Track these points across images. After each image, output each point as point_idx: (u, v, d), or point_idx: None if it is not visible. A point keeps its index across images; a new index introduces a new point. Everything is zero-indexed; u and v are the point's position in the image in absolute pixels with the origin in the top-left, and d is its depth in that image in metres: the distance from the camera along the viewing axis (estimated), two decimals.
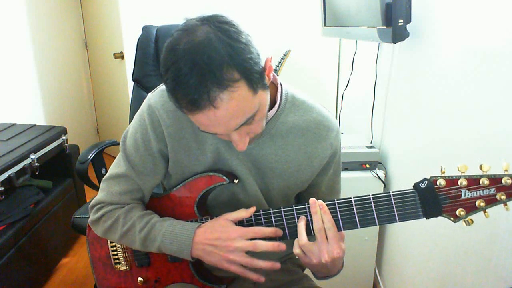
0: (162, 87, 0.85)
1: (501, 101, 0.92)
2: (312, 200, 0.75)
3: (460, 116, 1.10)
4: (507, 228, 0.91)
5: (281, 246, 0.76)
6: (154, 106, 0.83)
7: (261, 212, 0.80)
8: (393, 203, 0.71)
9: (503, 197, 0.65)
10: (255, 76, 0.65)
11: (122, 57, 2.96)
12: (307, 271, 1.06)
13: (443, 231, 1.20)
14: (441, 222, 1.22)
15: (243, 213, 0.80)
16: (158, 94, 0.84)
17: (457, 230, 1.12)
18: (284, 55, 2.20)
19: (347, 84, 2.09)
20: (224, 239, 0.77)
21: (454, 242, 1.14)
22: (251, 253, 0.77)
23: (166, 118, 0.82)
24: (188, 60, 0.62)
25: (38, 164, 1.84)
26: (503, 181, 0.65)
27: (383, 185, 1.59)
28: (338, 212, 0.74)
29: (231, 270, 0.78)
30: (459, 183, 0.67)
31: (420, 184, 0.70)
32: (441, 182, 0.68)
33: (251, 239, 0.77)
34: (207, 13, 0.67)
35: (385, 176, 1.61)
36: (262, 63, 0.68)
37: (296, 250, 0.75)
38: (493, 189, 0.66)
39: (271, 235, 0.77)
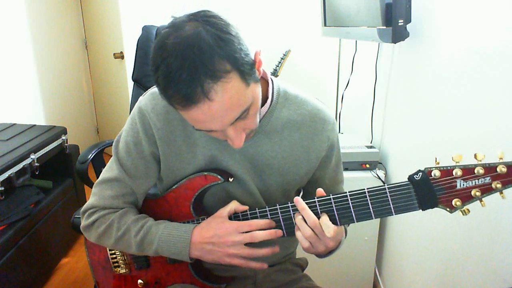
0: (152, 90, 0.84)
1: (502, 101, 0.92)
2: (295, 199, 0.75)
3: (461, 115, 1.09)
4: (508, 228, 0.90)
5: (277, 232, 0.77)
6: (145, 109, 0.82)
7: (257, 210, 0.80)
8: (389, 196, 0.71)
9: (499, 185, 0.64)
10: (246, 67, 0.65)
11: (122, 57, 2.96)
12: (307, 271, 1.05)
13: (443, 231, 1.20)
14: (441, 222, 1.23)
15: (234, 204, 0.81)
16: (148, 97, 0.83)
17: (457, 230, 1.12)
18: (284, 55, 2.20)
19: (347, 84, 2.09)
20: (220, 235, 0.77)
21: (454, 242, 1.13)
22: (249, 246, 0.78)
23: (156, 121, 0.82)
24: (178, 55, 0.61)
25: (38, 164, 1.84)
26: (498, 169, 0.64)
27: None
28: (334, 207, 0.74)
29: (233, 264, 0.78)
30: (454, 173, 0.66)
31: (414, 176, 0.69)
32: (436, 173, 0.67)
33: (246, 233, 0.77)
34: (193, 10, 0.66)
35: (385, 176, 1.60)
36: (252, 56, 0.68)
37: (305, 244, 0.75)
38: (488, 177, 0.65)
39: (265, 227, 0.78)
